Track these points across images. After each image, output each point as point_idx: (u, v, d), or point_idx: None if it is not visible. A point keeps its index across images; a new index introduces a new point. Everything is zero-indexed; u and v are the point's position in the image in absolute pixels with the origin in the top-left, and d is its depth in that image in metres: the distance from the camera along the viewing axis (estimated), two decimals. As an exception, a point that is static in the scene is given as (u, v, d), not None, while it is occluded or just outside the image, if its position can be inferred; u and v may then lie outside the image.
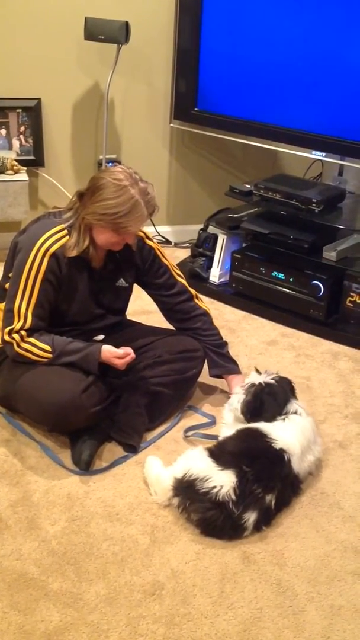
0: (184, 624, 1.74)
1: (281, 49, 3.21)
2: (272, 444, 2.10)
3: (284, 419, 2.23)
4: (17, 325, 2.20)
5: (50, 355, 2.21)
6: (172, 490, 2.05)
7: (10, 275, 2.26)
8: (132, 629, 1.72)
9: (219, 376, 2.58)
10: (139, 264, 2.40)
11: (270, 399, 2.26)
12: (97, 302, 2.35)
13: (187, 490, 2.01)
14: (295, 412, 2.27)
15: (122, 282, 2.40)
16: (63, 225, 2.20)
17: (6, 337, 2.22)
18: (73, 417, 2.21)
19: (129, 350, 2.25)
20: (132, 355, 2.26)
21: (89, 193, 2.14)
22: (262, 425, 2.18)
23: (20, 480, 2.18)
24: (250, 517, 1.98)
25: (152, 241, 2.43)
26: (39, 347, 2.22)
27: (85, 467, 2.22)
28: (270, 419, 2.23)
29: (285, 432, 2.16)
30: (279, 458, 2.08)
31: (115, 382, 2.39)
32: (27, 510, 2.06)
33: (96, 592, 1.81)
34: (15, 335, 2.20)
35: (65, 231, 2.20)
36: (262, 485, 2.00)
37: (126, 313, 2.64)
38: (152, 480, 2.15)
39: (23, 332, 2.20)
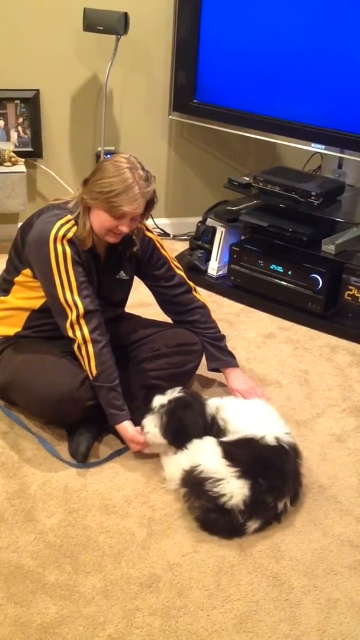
0: (180, 616, 1.75)
1: (281, 41, 3.19)
2: (279, 444, 2.08)
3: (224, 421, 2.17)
4: (72, 315, 2.16)
5: (91, 375, 2.20)
6: (180, 480, 2.04)
7: (20, 271, 2.27)
8: (128, 621, 1.72)
9: (217, 370, 2.57)
10: (138, 255, 2.40)
11: (188, 412, 2.15)
12: (99, 294, 2.35)
13: (195, 487, 1.98)
14: (219, 409, 2.20)
15: (122, 274, 2.39)
16: (70, 216, 2.19)
17: (69, 334, 2.19)
18: (70, 409, 2.21)
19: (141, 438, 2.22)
20: (142, 447, 2.25)
21: (91, 175, 2.16)
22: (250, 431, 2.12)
23: (17, 472, 2.18)
24: (254, 525, 1.98)
25: (152, 233, 2.43)
26: (89, 365, 2.19)
27: (82, 459, 2.22)
28: (198, 432, 2.12)
29: (263, 423, 2.16)
30: (286, 454, 2.08)
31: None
32: (23, 502, 2.06)
33: (92, 585, 1.81)
34: (77, 331, 2.17)
35: (73, 221, 2.19)
36: (274, 495, 2.00)
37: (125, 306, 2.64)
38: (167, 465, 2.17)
39: (82, 321, 2.17)
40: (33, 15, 3.46)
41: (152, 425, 2.16)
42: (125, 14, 3.33)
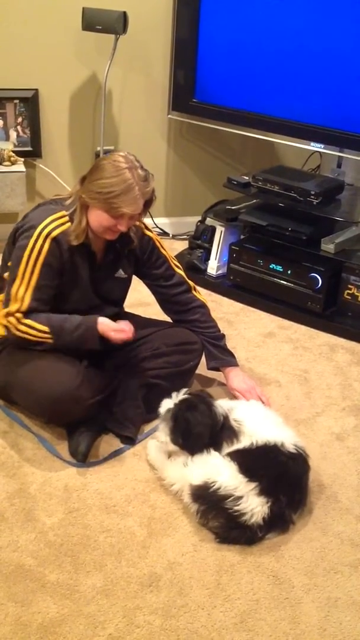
0: (181, 615, 1.75)
1: (280, 40, 3.19)
2: (298, 452, 2.06)
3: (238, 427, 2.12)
4: (12, 307, 2.18)
5: (49, 336, 2.19)
6: (191, 496, 2.00)
7: (9, 263, 2.25)
8: (128, 620, 1.72)
9: (217, 369, 2.57)
10: (138, 254, 2.40)
11: (193, 413, 2.10)
12: (96, 292, 2.35)
13: (212, 503, 1.95)
14: (231, 410, 2.16)
15: (121, 273, 2.40)
16: (64, 212, 2.20)
17: (3, 321, 2.21)
18: (70, 409, 2.21)
19: (127, 326, 2.24)
20: (130, 333, 2.24)
21: (89, 174, 2.15)
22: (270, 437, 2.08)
23: (17, 472, 2.18)
24: (271, 536, 1.98)
25: (151, 232, 2.43)
26: (36, 329, 2.19)
27: (82, 458, 2.22)
28: (205, 433, 2.09)
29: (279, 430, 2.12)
30: (303, 463, 2.08)
31: (112, 374, 2.38)
32: (24, 502, 2.06)
33: (93, 584, 1.81)
34: (11, 319, 2.19)
35: (67, 217, 2.19)
36: (293, 508, 2.00)
37: (124, 305, 2.64)
38: (159, 467, 2.17)
39: (19, 315, 2.18)
40: (32, 14, 3.45)
41: (164, 434, 2.14)
42: (124, 13, 3.33)
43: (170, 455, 2.19)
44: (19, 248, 2.19)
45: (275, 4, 3.14)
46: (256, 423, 2.12)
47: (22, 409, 2.41)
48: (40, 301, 2.20)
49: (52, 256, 2.17)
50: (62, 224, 2.18)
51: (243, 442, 2.09)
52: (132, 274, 2.46)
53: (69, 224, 2.18)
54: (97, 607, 1.75)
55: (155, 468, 2.20)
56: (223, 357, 2.53)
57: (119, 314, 2.53)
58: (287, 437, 2.09)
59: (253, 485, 1.93)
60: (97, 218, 2.16)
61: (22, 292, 2.18)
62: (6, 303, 2.22)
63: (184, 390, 2.22)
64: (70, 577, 1.83)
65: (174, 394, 2.18)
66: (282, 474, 2.00)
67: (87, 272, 2.28)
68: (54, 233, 2.16)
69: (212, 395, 2.28)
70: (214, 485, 1.94)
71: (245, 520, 1.92)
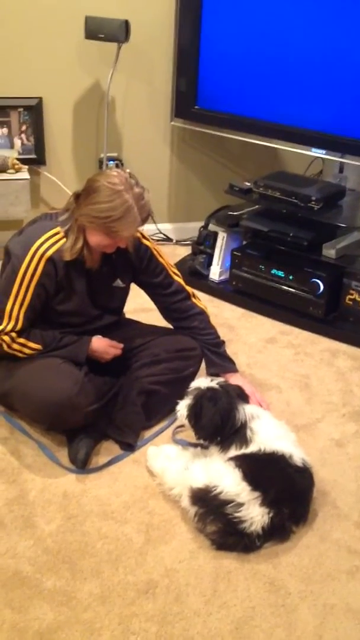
0: (177, 622, 1.75)
1: (281, 47, 3.20)
2: (305, 467, 2.06)
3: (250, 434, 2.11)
4: (7, 327, 2.22)
5: (40, 352, 2.27)
6: (190, 499, 2.00)
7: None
8: (124, 627, 1.73)
9: (217, 375, 2.58)
10: (135, 264, 2.41)
11: (210, 404, 2.11)
12: (94, 302, 2.36)
13: (212, 507, 1.95)
14: (252, 418, 2.14)
15: (118, 282, 2.41)
16: (59, 228, 2.21)
17: None
18: (69, 416, 2.22)
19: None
20: (118, 350, 2.36)
21: (84, 194, 2.14)
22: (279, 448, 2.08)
23: (16, 478, 2.20)
24: (269, 545, 1.98)
25: (149, 240, 2.44)
26: (29, 347, 2.26)
27: (81, 465, 2.23)
28: (211, 428, 2.11)
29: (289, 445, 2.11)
30: (309, 478, 2.08)
31: (112, 381, 2.40)
32: (22, 508, 2.08)
33: (90, 591, 1.82)
34: (6, 337, 2.23)
35: (62, 234, 2.20)
36: (294, 520, 2.01)
37: (125, 311, 2.65)
38: (159, 473, 2.17)
39: (13, 334, 2.22)
40: (35, 23, 3.48)
41: (183, 405, 2.18)
42: (126, 21, 3.35)
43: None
44: (14, 264, 2.20)
45: (277, 11, 3.16)
46: (270, 437, 2.11)
47: (22, 416, 2.43)
48: (30, 319, 2.25)
49: (47, 277, 2.20)
50: (57, 241, 2.20)
51: (250, 449, 2.09)
52: (130, 283, 2.47)
53: (64, 240, 2.20)
54: (93, 614, 1.76)
55: (155, 474, 2.21)
56: (222, 364, 2.54)
57: (119, 322, 2.54)
58: (296, 452, 2.09)
59: (257, 494, 1.93)
60: (95, 239, 2.17)
61: (16, 311, 2.21)
62: None
63: (220, 379, 2.24)
64: (68, 584, 1.84)
65: (209, 377, 2.23)
66: (287, 487, 2.00)
67: (84, 284, 2.30)
68: (49, 253, 2.18)
69: (246, 397, 2.27)
70: (215, 490, 1.95)
71: (244, 527, 1.92)
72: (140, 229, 2.34)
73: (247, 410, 2.16)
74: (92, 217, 2.11)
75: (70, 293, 2.29)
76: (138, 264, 2.41)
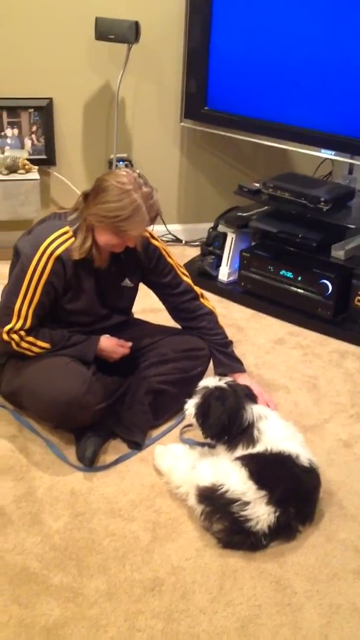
0: (183, 619, 1.76)
1: (291, 48, 3.21)
2: (312, 467, 2.06)
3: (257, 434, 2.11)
4: (16, 325, 2.23)
5: (48, 351, 2.29)
6: (197, 497, 2.01)
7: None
8: (130, 624, 1.74)
9: (225, 375, 2.58)
10: (144, 263, 2.42)
11: (217, 403, 2.12)
12: (103, 302, 2.37)
13: (218, 506, 1.96)
14: (260, 418, 2.14)
15: (127, 282, 2.42)
16: (68, 227, 2.22)
17: (5, 337, 2.25)
18: (77, 414, 2.23)
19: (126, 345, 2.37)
20: (127, 349, 2.39)
21: (93, 194, 2.16)
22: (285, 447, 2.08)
23: (25, 475, 2.21)
24: (275, 544, 1.98)
25: (158, 241, 2.45)
26: (38, 346, 2.27)
27: (89, 463, 2.24)
28: (217, 428, 2.11)
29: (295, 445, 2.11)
30: (316, 478, 2.08)
31: (120, 380, 2.41)
32: (30, 505, 2.09)
33: (96, 587, 1.83)
34: (15, 336, 2.24)
35: (70, 233, 2.22)
36: (300, 520, 2.01)
37: (134, 311, 2.67)
38: (166, 472, 2.18)
39: (22, 332, 2.24)
40: (45, 25, 3.50)
41: (191, 404, 2.18)
42: (136, 22, 3.36)
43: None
44: (23, 262, 2.22)
45: (287, 13, 3.16)
46: (277, 437, 2.11)
47: (31, 414, 2.44)
48: (39, 317, 2.26)
49: (55, 276, 2.21)
50: (66, 240, 2.21)
51: (257, 449, 2.10)
52: (138, 282, 2.48)
53: (72, 239, 2.21)
54: (99, 610, 1.77)
55: (162, 473, 2.21)
56: (230, 364, 2.54)
57: (127, 321, 2.55)
58: (303, 453, 2.09)
59: (263, 493, 1.93)
60: (104, 238, 2.18)
61: (25, 310, 2.22)
62: (4, 317, 2.25)
63: (229, 379, 2.25)
64: (74, 581, 1.85)
65: (218, 377, 2.24)
66: (294, 486, 2.00)
67: (92, 284, 2.31)
68: (58, 252, 2.19)
69: (255, 397, 2.28)
70: (221, 488, 1.96)
71: (250, 526, 1.93)
72: (150, 229, 2.35)
73: (254, 410, 2.16)
74: (101, 216, 2.12)
75: (79, 292, 2.30)
76: (147, 263, 2.42)
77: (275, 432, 2.13)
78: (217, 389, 2.17)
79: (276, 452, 2.06)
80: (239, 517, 1.93)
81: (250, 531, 1.93)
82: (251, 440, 2.11)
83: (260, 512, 1.92)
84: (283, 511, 1.94)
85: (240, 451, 2.10)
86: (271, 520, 1.93)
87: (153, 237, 2.42)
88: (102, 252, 2.26)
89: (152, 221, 2.18)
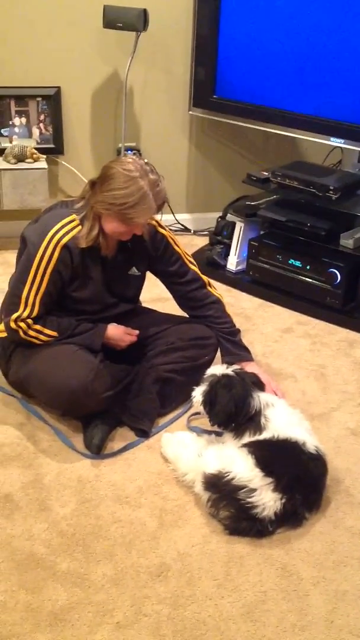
0: (188, 605, 1.77)
1: (300, 36, 3.18)
2: (318, 454, 2.07)
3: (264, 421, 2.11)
4: (24, 313, 2.23)
5: (55, 339, 2.29)
6: (204, 484, 2.01)
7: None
8: (137, 609, 1.75)
9: (232, 364, 2.58)
10: (151, 252, 2.42)
11: (224, 391, 2.12)
12: (110, 290, 2.38)
13: (224, 493, 1.96)
14: (267, 406, 2.14)
15: (134, 270, 2.42)
16: (75, 216, 2.22)
17: (12, 325, 2.26)
18: (84, 402, 2.24)
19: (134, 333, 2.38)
20: (134, 337, 2.41)
21: (100, 182, 2.16)
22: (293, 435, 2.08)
23: (32, 462, 2.22)
24: (281, 530, 1.99)
25: (165, 229, 2.44)
26: (46, 334, 2.27)
27: (96, 450, 2.25)
28: (225, 415, 2.12)
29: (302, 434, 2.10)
30: (322, 465, 2.08)
31: (127, 368, 2.41)
32: (38, 492, 2.10)
33: (103, 573, 1.84)
34: (22, 324, 2.25)
35: (77, 221, 2.22)
36: (307, 506, 2.01)
37: (142, 300, 2.67)
38: (173, 460, 2.18)
39: (29, 320, 2.24)
40: (53, 13, 3.50)
41: (199, 391, 2.19)
42: (145, 10, 3.35)
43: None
44: (30, 250, 2.22)
45: (296, 0, 3.14)
46: (284, 425, 2.11)
47: (39, 402, 2.45)
48: (46, 305, 2.27)
49: (62, 264, 2.21)
50: (73, 228, 2.21)
51: (264, 436, 2.10)
52: (145, 271, 2.48)
53: (79, 227, 2.21)
54: (106, 596, 1.78)
55: (169, 460, 2.22)
56: (238, 352, 2.54)
57: (134, 310, 2.55)
58: (310, 440, 2.09)
59: (269, 480, 1.94)
60: (111, 226, 2.18)
61: (32, 298, 2.23)
62: (12, 306, 2.26)
63: (237, 366, 2.25)
64: (81, 566, 1.86)
65: (225, 365, 2.25)
66: (301, 473, 2.00)
67: (99, 272, 2.31)
68: (65, 240, 2.19)
69: (262, 385, 2.29)
70: (228, 475, 1.96)
71: (257, 513, 1.93)
72: (157, 217, 2.35)
73: (261, 398, 2.16)
74: (108, 203, 2.11)
75: (86, 280, 2.30)
76: (154, 252, 2.42)
77: (282, 420, 2.13)
78: (225, 376, 2.17)
79: (283, 439, 2.06)
80: (246, 504, 1.93)
81: (257, 518, 1.94)
82: (258, 428, 2.11)
83: (267, 499, 1.93)
84: (289, 498, 1.95)
85: (247, 438, 2.11)
86: (277, 507, 1.93)
87: (160, 226, 2.41)
88: (109, 240, 2.26)
89: (159, 209, 2.18)
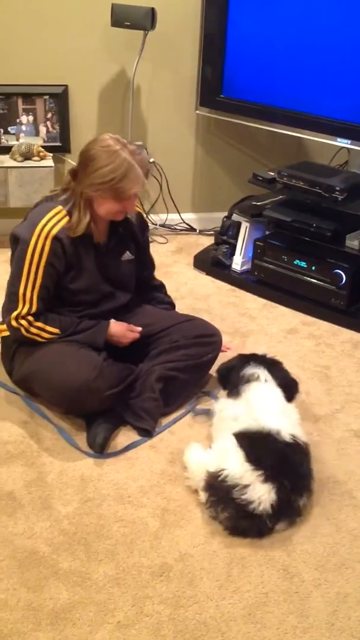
0: (190, 605, 1.76)
1: (307, 36, 3.18)
2: (295, 442, 2.07)
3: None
4: (23, 310, 2.24)
5: (57, 337, 2.30)
6: (204, 483, 2.02)
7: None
8: (138, 609, 1.75)
9: None
10: (139, 237, 2.48)
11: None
12: (106, 278, 2.39)
13: (221, 495, 1.96)
14: (256, 379, 2.26)
15: (127, 255, 2.46)
16: (61, 207, 2.24)
17: (13, 323, 2.27)
18: (87, 400, 2.24)
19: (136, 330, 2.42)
20: (136, 334, 2.43)
21: (82, 167, 2.18)
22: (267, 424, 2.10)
23: (35, 461, 2.22)
24: (282, 526, 1.99)
25: (137, 206, 2.50)
26: (48, 331, 2.28)
27: (99, 449, 2.25)
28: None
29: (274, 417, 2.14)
30: (304, 453, 2.08)
31: (130, 367, 2.41)
32: (41, 490, 2.10)
33: (104, 572, 1.84)
34: (23, 321, 2.26)
35: (64, 212, 2.24)
36: (298, 492, 2.00)
37: (145, 302, 2.68)
38: (192, 467, 2.15)
39: (30, 318, 2.25)
40: (61, 11, 3.50)
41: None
42: (153, 9, 3.35)
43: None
44: (21, 247, 2.24)
45: (303, 0, 3.13)
46: (259, 400, 2.21)
47: (42, 400, 2.46)
48: (44, 300, 2.28)
49: (55, 255, 2.23)
50: (61, 219, 2.23)
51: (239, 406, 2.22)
52: (137, 254, 2.52)
53: (67, 218, 2.23)
54: (107, 595, 1.78)
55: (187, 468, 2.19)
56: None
57: (138, 308, 2.56)
58: (284, 426, 2.09)
59: (258, 472, 1.94)
60: (105, 207, 2.21)
61: (29, 293, 2.24)
62: (11, 304, 2.27)
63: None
64: (83, 565, 1.86)
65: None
66: (281, 461, 2.01)
67: (93, 261, 2.33)
68: (54, 231, 2.21)
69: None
70: (222, 474, 1.96)
71: (254, 508, 1.93)
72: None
73: (253, 375, 2.28)
74: (97, 184, 2.14)
75: (81, 270, 2.32)
76: (141, 235, 2.49)
77: (260, 397, 2.22)
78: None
79: (259, 429, 2.07)
80: (242, 502, 1.93)
81: (255, 514, 1.93)
82: (238, 395, 2.25)
83: (260, 492, 1.92)
84: (279, 486, 1.94)
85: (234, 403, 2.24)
86: (272, 499, 1.93)
87: (144, 212, 2.53)
88: (99, 225, 2.29)
89: (145, 176, 2.22)
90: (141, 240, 2.50)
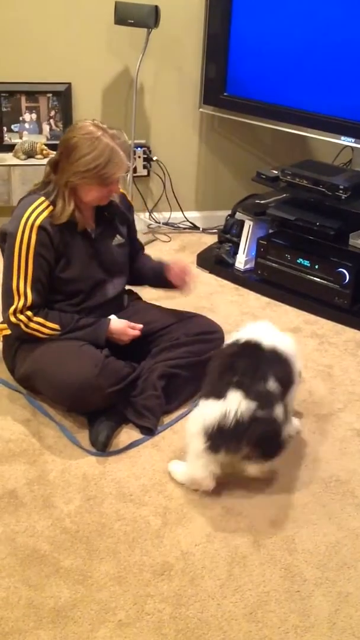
0: (191, 604, 1.76)
1: (311, 34, 3.17)
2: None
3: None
4: (19, 304, 2.25)
5: (58, 333, 2.31)
6: (205, 439, 2.01)
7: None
8: (139, 607, 1.75)
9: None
10: (127, 215, 2.50)
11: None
12: (99, 264, 2.40)
13: (221, 437, 1.98)
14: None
15: (118, 238, 2.47)
16: (43, 198, 2.26)
17: (12, 319, 2.27)
18: (90, 397, 2.24)
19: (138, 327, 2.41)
20: (137, 331, 2.41)
21: (64, 157, 2.19)
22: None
23: (37, 459, 2.22)
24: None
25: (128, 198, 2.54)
26: (47, 327, 2.29)
27: (101, 448, 2.25)
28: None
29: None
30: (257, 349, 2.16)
31: (132, 365, 2.41)
32: (42, 488, 2.10)
33: (106, 571, 1.84)
34: (22, 317, 2.26)
35: (47, 202, 2.25)
36: (261, 378, 2.04)
37: (147, 299, 2.67)
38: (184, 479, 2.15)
39: (28, 313, 2.26)
40: (65, 9, 3.49)
41: None
42: (156, 7, 3.34)
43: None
44: (9, 243, 2.26)
45: (307, -3, 3.13)
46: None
47: (45, 398, 2.46)
48: (39, 292, 2.28)
49: (42, 245, 2.24)
50: (44, 209, 2.25)
51: None
52: (128, 237, 2.53)
53: (50, 207, 2.25)
54: (108, 594, 1.78)
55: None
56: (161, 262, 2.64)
57: (139, 305, 2.57)
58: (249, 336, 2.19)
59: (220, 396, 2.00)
60: (91, 194, 2.24)
61: (23, 286, 2.25)
62: (8, 300, 2.29)
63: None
64: (84, 563, 1.86)
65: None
66: (233, 358, 2.10)
67: (81, 247, 2.34)
68: (38, 221, 2.22)
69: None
70: (207, 424, 2.00)
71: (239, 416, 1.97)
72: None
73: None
74: (82, 172, 2.15)
75: (71, 258, 2.33)
76: (130, 215, 2.52)
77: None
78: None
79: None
80: (232, 424, 1.97)
81: (237, 423, 1.97)
82: None
83: (231, 402, 1.98)
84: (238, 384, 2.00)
85: None
86: (247, 406, 1.97)
87: (127, 194, 2.53)
88: (85, 212, 2.30)
89: (129, 158, 2.24)
90: (129, 220, 2.52)
